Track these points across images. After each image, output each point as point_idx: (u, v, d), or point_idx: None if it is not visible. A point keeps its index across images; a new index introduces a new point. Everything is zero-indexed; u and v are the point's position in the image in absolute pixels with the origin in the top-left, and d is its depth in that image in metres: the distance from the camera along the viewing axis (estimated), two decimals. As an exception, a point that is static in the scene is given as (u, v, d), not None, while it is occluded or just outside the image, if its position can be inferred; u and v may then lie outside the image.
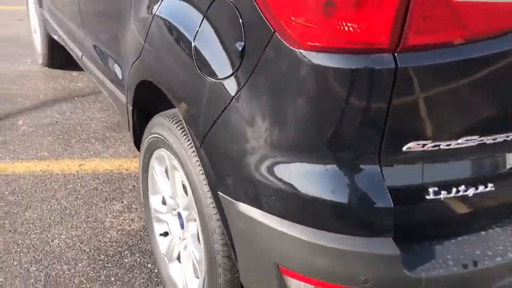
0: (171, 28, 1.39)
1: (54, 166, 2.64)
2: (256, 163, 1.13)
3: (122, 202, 2.37)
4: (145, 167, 1.80)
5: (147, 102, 1.69)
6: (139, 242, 2.11)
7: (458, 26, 0.93)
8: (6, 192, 2.41)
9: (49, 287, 1.86)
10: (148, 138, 1.69)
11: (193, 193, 1.40)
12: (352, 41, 0.95)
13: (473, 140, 1.06)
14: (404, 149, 1.03)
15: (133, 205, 2.34)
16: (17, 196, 2.38)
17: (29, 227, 2.18)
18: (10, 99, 3.40)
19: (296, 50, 0.99)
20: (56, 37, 3.30)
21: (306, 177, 1.08)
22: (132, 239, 2.13)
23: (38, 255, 2.01)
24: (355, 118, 1.00)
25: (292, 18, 0.98)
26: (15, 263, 1.97)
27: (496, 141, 1.08)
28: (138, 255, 2.04)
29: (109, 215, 2.27)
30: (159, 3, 1.46)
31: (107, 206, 2.33)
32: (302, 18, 0.97)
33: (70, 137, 2.94)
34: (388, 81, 0.95)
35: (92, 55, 2.47)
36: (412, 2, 0.89)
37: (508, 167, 1.14)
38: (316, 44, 0.97)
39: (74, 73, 3.78)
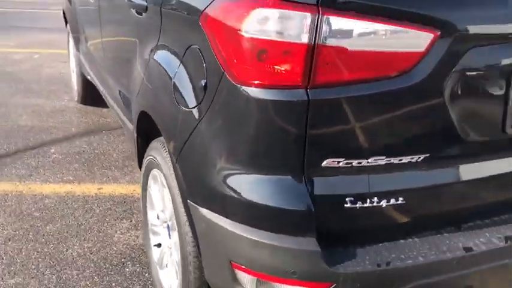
0: (160, 69, 1.73)
1: (76, 188, 3.00)
2: (213, 174, 1.41)
3: (131, 221, 2.68)
4: (144, 186, 2.11)
5: (147, 130, 2.01)
6: (140, 255, 2.39)
7: (352, 69, 1.21)
8: (33, 209, 2.76)
9: (59, 287, 2.17)
10: (146, 160, 2.01)
11: (173, 204, 1.69)
12: (278, 79, 1.24)
13: (381, 160, 1.32)
14: (322, 165, 1.30)
15: (140, 224, 2.64)
16: (42, 212, 2.73)
17: (49, 238, 2.51)
18: (46, 130, 3.83)
19: (238, 86, 1.29)
20: (89, 77, 3.74)
21: (249, 186, 1.36)
22: (135, 252, 2.42)
23: (53, 262, 2.33)
24: (282, 138, 1.28)
25: (235, 61, 1.28)
26: (33, 267, 2.29)
27: (401, 161, 1.33)
28: (138, 265, 2.32)
29: (118, 232, 2.58)
30: (154, 50, 1.81)
31: (117, 224, 2.65)
32: (242, 62, 1.28)
33: (93, 165, 3.30)
34: (304, 110, 1.23)
35: (111, 92, 2.86)
36: (316, 53, 1.18)
37: (416, 184, 1.39)
38: (252, 81, 1.27)
39: (104, 110, 4.20)
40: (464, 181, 1.46)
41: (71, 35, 4.22)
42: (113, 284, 2.20)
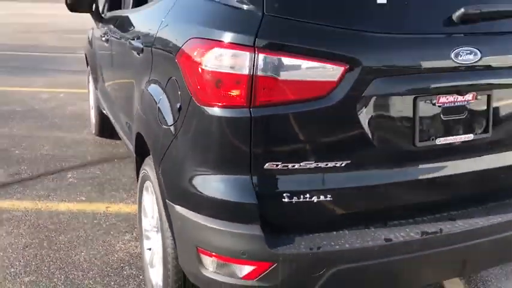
0: (149, 98, 2.15)
1: (87, 207, 3.40)
2: (184, 177, 1.80)
3: (132, 234, 3.05)
4: (140, 196, 2.50)
5: (142, 150, 2.41)
6: (137, 261, 2.76)
7: (282, 94, 1.60)
8: (48, 223, 3.17)
9: (66, 285, 2.54)
10: (140, 174, 2.41)
11: (157, 206, 2.07)
12: (229, 102, 1.64)
13: (310, 164, 1.68)
14: (264, 167, 1.67)
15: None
16: (56, 225, 3.13)
17: (60, 246, 2.90)
18: (65, 158, 4.29)
19: (202, 107, 1.69)
20: (104, 112, 4.21)
21: (209, 185, 1.73)
22: (133, 259, 2.78)
23: (62, 265, 2.71)
24: (233, 146, 1.67)
25: (198, 87, 1.69)
26: (45, 268, 2.67)
27: (328, 166, 1.70)
28: (134, 269, 2.68)
29: (120, 242, 2.96)
30: (147, 83, 2.24)
31: (120, 236, 3.02)
32: (204, 88, 1.68)
33: (104, 188, 3.72)
34: (248, 125, 1.62)
35: (121, 124, 3.31)
36: (254, 81, 1.58)
37: (341, 185, 1.74)
38: (211, 103, 1.67)
39: (117, 141, 4.65)
40: (384, 184, 1.81)
41: (90, 74, 4.74)
42: (112, 283, 2.56)
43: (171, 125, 1.88)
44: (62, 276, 2.60)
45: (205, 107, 1.68)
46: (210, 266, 1.77)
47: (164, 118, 1.94)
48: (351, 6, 1.69)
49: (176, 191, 1.86)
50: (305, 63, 1.60)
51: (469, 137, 1.87)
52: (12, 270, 2.65)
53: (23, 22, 16.68)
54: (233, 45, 1.61)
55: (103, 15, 3.90)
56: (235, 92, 1.62)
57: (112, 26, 3.32)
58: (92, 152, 4.50)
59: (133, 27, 2.74)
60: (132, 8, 2.99)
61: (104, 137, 4.80)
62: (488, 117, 1.89)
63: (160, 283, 2.17)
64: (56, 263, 2.72)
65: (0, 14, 20.69)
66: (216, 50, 1.64)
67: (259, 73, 1.59)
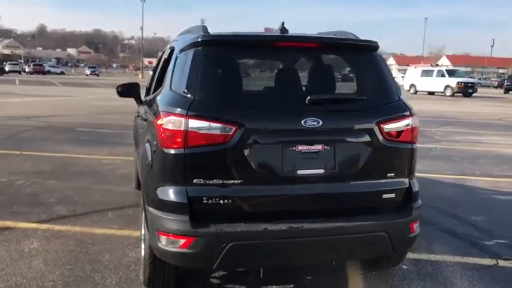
0: (144, 150, 3.55)
1: (116, 232, 4.78)
2: (152, 189, 3.15)
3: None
4: (143, 208, 3.84)
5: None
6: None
7: (201, 140, 2.94)
8: (88, 239, 4.56)
9: (93, 271, 3.86)
10: (141, 198, 3.78)
11: (144, 212, 3.41)
12: (174, 145, 2.99)
13: (219, 181, 2.97)
14: (193, 181, 2.99)
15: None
16: (93, 241, 4.52)
17: (93, 252, 4.26)
18: (109, 203, 5.76)
19: (162, 148, 3.06)
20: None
21: (162, 193, 3.06)
22: (139, 261, 4.07)
23: (92, 262, 4.05)
24: (176, 170, 3.01)
25: (162, 136, 3.08)
26: (80, 263, 4.02)
27: (230, 182, 2.98)
28: (137, 267, 3.97)
29: (132, 252, 4.27)
30: (145, 142, 3.65)
31: (133, 249, 4.34)
32: (163, 138, 3.07)
33: (131, 222, 5.09)
34: (183, 158, 2.96)
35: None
36: (187, 133, 2.94)
37: (237, 194, 3.00)
38: (166, 146, 3.04)
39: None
40: (265, 195, 3.06)
41: (134, 141, 6.33)
42: (120, 273, 3.86)
43: (149, 161, 3.27)
44: (90, 267, 3.94)
45: (163, 148, 3.06)
46: (163, 241, 3.06)
47: (147, 158, 3.34)
48: (238, 95, 3.07)
49: (149, 198, 3.21)
50: (214, 124, 2.96)
51: (321, 171, 3.11)
52: (59, 262, 4.03)
53: (104, 104, 19.37)
54: (177, 114, 3.01)
55: (142, 99, 5.52)
56: (178, 140, 2.99)
57: (142, 107, 4.88)
58: (130, 198, 5.95)
59: (145, 106, 4.25)
60: (151, 95, 4.54)
61: (139, 189, 6.26)
62: (334, 159, 3.12)
63: (144, 256, 3.45)
64: (88, 260, 4.08)
65: (88, 97, 23.95)
66: (169, 117, 3.04)
67: (189, 129, 2.96)
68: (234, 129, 2.97)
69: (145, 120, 3.80)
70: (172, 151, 3.01)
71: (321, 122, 3.06)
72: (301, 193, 3.13)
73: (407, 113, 3.33)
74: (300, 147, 3.07)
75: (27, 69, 69.66)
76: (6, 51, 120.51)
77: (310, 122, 3.04)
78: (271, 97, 3.24)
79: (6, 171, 7.21)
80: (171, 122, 3.02)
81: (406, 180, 3.38)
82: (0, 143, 9.83)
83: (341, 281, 3.85)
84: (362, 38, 3.56)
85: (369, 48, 3.47)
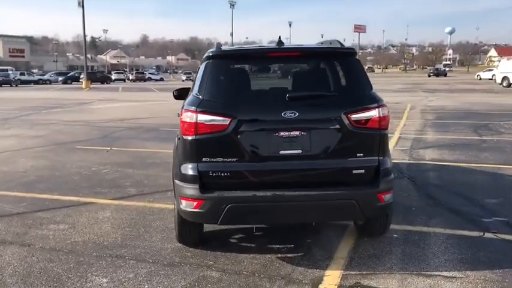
0: (176, 141, 4.71)
1: (170, 206, 6.00)
2: (177, 166, 4.27)
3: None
4: (173, 182, 4.98)
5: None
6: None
7: (206, 128, 3.99)
8: (147, 210, 5.82)
9: (143, 232, 5.09)
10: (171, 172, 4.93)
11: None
12: (189, 133, 4.09)
13: (220, 159, 4.02)
14: (202, 160, 4.06)
15: (189, 218, 5.48)
16: (151, 212, 5.76)
17: (150, 220, 5.50)
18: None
19: (183, 136, 4.17)
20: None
21: (184, 168, 4.17)
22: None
23: (146, 226, 5.28)
24: (190, 151, 4.10)
25: (181, 127, 4.19)
26: (138, 226, 5.27)
27: (228, 160, 4.01)
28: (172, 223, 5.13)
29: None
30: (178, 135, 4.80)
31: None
32: (183, 128, 4.17)
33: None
34: (195, 143, 4.05)
35: None
36: (197, 124, 4.03)
37: (235, 168, 4.02)
38: (184, 134, 4.15)
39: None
40: (257, 170, 4.04)
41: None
42: (164, 234, 5.04)
43: (176, 147, 4.40)
44: (143, 229, 5.17)
45: (183, 136, 4.17)
46: (184, 204, 4.17)
47: (176, 145, 4.47)
48: (234, 95, 4.10)
49: (175, 172, 4.33)
50: (215, 117, 4.01)
51: (299, 151, 4.03)
52: (121, 226, 5.30)
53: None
54: (191, 111, 4.10)
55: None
56: (191, 129, 4.09)
57: None
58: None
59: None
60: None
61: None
62: (310, 143, 4.03)
63: (175, 217, 4.59)
64: (143, 225, 5.32)
65: (178, 101, 26.10)
66: (187, 113, 4.14)
67: (198, 121, 4.04)
68: (229, 120, 4.00)
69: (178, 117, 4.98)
70: (189, 138, 4.11)
71: (297, 114, 3.99)
72: (283, 168, 4.08)
73: (374, 105, 4.14)
74: (282, 133, 4.03)
75: (130, 77, 75.82)
76: (113, 61, 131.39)
77: (288, 114, 3.99)
78: (260, 96, 4.23)
79: (96, 163, 8.84)
80: (188, 116, 4.11)
81: (376, 159, 4.18)
82: (96, 141, 11.69)
83: (335, 244, 4.70)
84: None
85: (345, 54, 4.33)
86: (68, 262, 4.35)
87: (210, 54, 4.30)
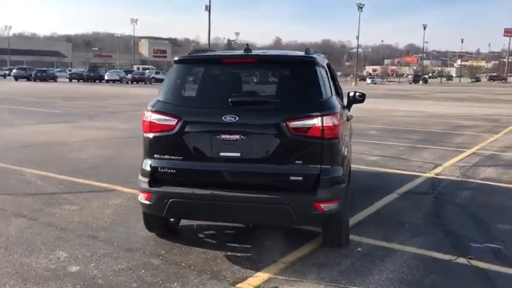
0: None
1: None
2: (142, 160, 4.69)
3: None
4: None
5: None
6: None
7: (159, 127, 4.35)
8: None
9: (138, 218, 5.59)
10: None
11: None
12: (145, 131, 4.49)
13: (168, 157, 4.34)
14: (154, 156, 4.42)
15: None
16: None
17: (147, 209, 6.01)
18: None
19: (144, 134, 4.58)
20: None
21: (143, 163, 4.57)
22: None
23: (140, 213, 5.79)
24: (146, 147, 4.49)
25: (145, 126, 4.60)
26: (132, 213, 5.80)
27: (175, 158, 4.31)
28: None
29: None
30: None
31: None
32: (145, 127, 4.58)
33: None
34: (148, 140, 4.43)
35: None
36: (150, 123, 4.40)
37: (180, 166, 4.31)
38: (146, 132, 4.55)
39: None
40: (198, 169, 4.29)
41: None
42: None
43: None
44: (135, 217, 5.67)
45: (143, 133, 4.57)
46: (140, 196, 4.58)
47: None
48: (183, 98, 4.40)
49: (141, 167, 4.75)
50: (165, 116, 4.35)
51: (238, 154, 4.20)
52: (127, 211, 5.86)
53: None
54: (148, 110, 4.49)
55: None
56: (147, 128, 4.48)
57: None
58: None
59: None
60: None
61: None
62: (249, 146, 4.17)
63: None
64: (140, 213, 5.82)
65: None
66: (146, 112, 4.53)
67: (151, 120, 4.41)
68: (176, 120, 4.30)
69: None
70: (145, 135, 4.51)
71: (237, 118, 4.16)
72: (223, 169, 4.27)
73: (317, 114, 4.13)
74: (223, 136, 4.23)
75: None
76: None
77: (229, 118, 4.17)
78: (207, 99, 4.46)
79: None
80: (146, 115, 4.51)
81: (317, 167, 4.17)
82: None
83: (291, 249, 4.73)
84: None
85: (299, 62, 4.40)
86: (51, 236, 5.01)
87: (175, 59, 4.64)
